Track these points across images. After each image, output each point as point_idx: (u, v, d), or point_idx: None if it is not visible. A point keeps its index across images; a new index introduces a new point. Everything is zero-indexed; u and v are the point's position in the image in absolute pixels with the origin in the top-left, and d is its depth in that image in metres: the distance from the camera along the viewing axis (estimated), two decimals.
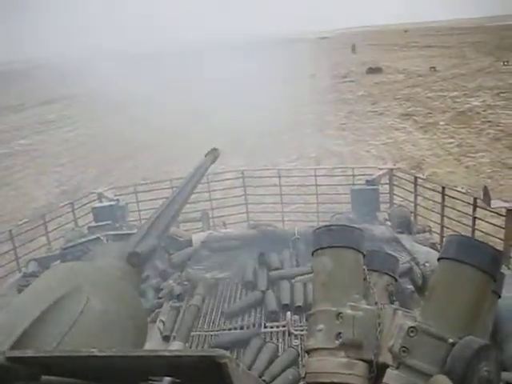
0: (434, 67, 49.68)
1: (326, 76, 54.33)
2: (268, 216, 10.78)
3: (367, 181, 9.11)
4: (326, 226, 2.35)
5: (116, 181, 20.17)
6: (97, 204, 9.58)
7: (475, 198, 7.90)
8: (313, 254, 2.33)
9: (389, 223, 7.44)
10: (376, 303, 2.16)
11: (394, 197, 9.65)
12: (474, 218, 7.97)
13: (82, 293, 2.39)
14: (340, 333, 2.02)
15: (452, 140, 24.58)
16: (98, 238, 6.73)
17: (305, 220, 10.32)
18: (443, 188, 8.53)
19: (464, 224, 8.32)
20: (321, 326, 2.08)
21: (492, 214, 8.14)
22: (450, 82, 41.85)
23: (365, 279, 2.25)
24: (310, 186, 10.79)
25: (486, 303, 1.99)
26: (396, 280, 2.57)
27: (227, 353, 1.34)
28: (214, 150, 6.25)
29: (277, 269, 5.55)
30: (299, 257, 5.93)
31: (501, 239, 7.48)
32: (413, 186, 9.22)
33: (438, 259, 2.12)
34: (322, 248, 2.26)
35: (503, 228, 7.59)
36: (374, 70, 52.39)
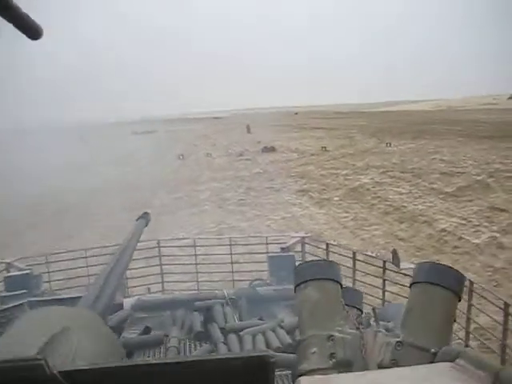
0: (324, 147, 52.46)
1: (221, 154, 55.71)
2: (184, 285, 10.83)
3: (282, 248, 9.48)
4: (307, 262, 2.63)
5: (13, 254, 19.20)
6: (10, 273, 9.21)
7: (384, 261, 8.46)
8: (295, 288, 2.58)
9: None
10: (357, 328, 2.43)
11: None
12: (384, 280, 8.51)
13: (71, 334, 2.46)
14: (333, 353, 2.25)
15: (347, 214, 25.92)
16: (22, 304, 6.53)
17: (220, 288, 10.42)
18: (354, 253, 9.06)
19: (375, 286, 8.81)
20: (314, 349, 2.29)
21: (398, 276, 8.76)
22: (340, 160, 44.32)
23: (343, 308, 2.51)
24: (224, 255, 10.97)
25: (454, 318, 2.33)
26: (362, 313, 2.87)
27: (272, 352, 1.53)
28: (146, 213, 6.40)
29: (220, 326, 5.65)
30: (241, 313, 6.09)
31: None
32: (324, 252, 9.71)
33: (411, 284, 2.45)
34: (306, 281, 2.52)
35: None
36: (269, 149, 54.38)
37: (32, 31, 1.56)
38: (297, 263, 9.38)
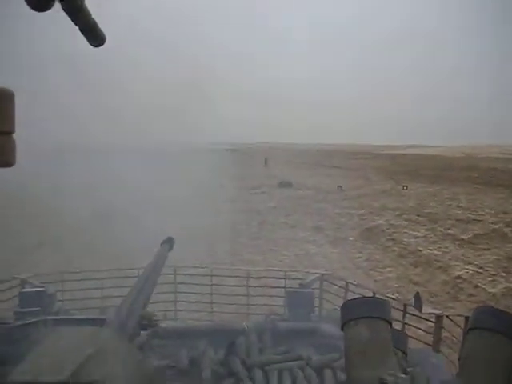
0: (340, 186, 52.42)
1: (237, 186, 55.65)
2: (197, 315, 10.67)
3: (301, 284, 9.33)
4: (357, 298, 2.50)
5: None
6: (25, 289, 9.11)
7: (405, 304, 8.26)
8: (343, 326, 2.44)
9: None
10: (406, 372, 2.28)
11: (324, 301, 9.85)
12: (404, 324, 8.28)
13: (104, 357, 2.36)
14: None
15: (361, 254, 25.64)
16: (37, 322, 6.42)
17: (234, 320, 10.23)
18: (374, 293, 8.87)
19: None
20: None
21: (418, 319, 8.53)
22: (355, 200, 44.20)
23: (393, 350, 2.37)
24: (238, 286, 10.81)
25: None
26: (406, 355, 2.72)
27: None
28: (170, 238, 6.34)
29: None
30: (264, 347, 5.91)
31: (429, 344, 7.82)
32: (342, 290, 9.51)
33: (468, 330, 2.30)
34: (356, 318, 2.38)
35: (431, 333, 7.96)
36: (285, 184, 54.40)
37: (97, 39, 1.61)
38: (315, 300, 9.24)
